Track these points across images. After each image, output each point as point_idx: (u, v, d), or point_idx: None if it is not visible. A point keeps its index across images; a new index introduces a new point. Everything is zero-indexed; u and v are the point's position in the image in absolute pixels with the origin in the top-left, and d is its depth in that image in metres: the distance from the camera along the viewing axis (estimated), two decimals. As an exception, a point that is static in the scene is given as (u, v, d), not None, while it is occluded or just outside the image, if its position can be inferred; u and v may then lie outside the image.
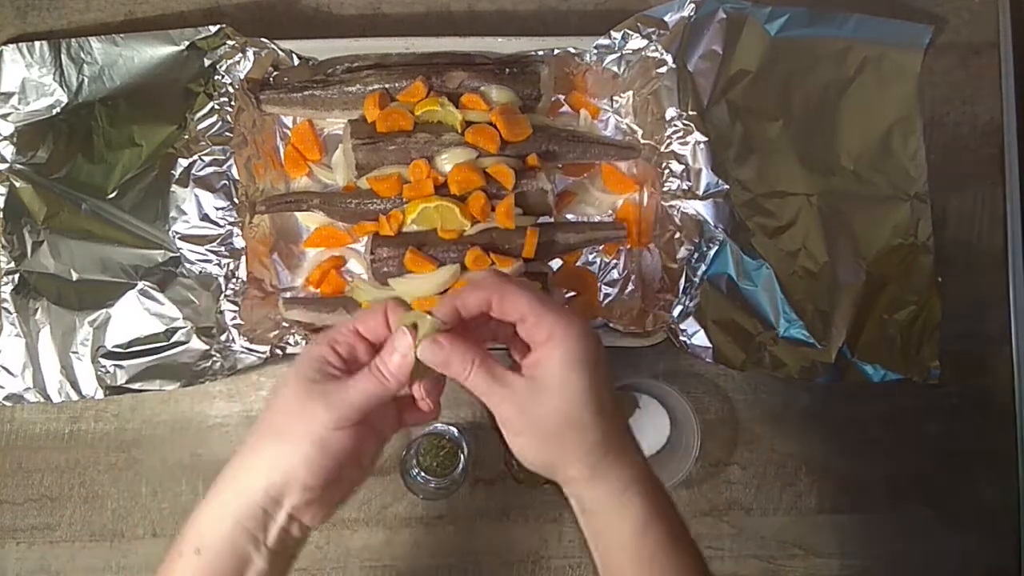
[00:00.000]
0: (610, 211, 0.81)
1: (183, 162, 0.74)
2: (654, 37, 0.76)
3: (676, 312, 0.73)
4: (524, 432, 0.48)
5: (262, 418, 0.50)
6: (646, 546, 0.49)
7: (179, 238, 0.74)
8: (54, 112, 0.77)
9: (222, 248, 0.73)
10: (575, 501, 0.50)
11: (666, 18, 0.76)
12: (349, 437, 0.48)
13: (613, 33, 0.76)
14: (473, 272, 0.71)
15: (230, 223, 0.73)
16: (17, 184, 0.77)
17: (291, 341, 0.73)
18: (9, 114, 0.78)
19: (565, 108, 0.81)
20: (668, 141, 0.75)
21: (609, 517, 0.49)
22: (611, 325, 0.75)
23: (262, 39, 0.75)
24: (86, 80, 0.77)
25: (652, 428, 0.76)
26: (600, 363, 0.49)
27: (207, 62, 0.75)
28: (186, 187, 0.74)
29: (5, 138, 0.77)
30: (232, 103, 0.74)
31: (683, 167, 0.74)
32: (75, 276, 0.75)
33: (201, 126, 0.74)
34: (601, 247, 0.80)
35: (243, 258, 0.73)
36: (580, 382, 0.47)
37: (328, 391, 0.48)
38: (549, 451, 0.49)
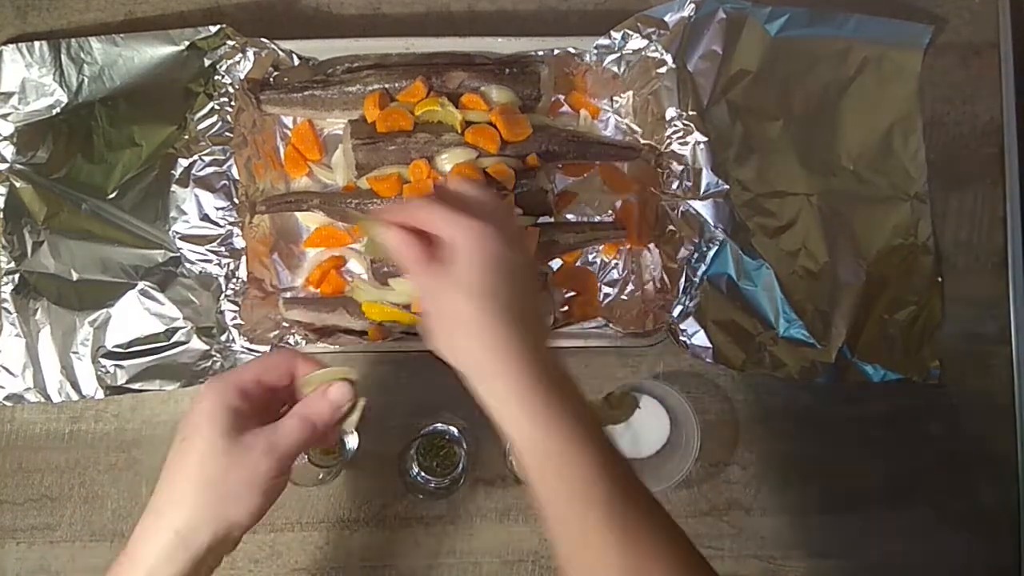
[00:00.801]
0: (610, 211, 0.81)
1: (183, 162, 0.74)
2: (654, 37, 0.76)
3: (676, 312, 0.73)
4: (431, 316, 0.52)
5: (180, 478, 0.50)
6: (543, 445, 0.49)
7: (179, 238, 0.74)
8: (54, 112, 0.77)
9: (222, 248, 0.73)
10: (478, 397, 0.51)
11: (666, 18, 0.76)
12: (284, 479, 0.52)
13: (613, 33, 0.76)
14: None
15: (230, 223, 0.73)
16: (17, 184, 0.77)
17: (291, 341, 0.73)
18: (9, 114, 0.77)
19: (565, 108, 0.81)
20: (668, 141, 0.75)
21: (507, 412, 0.50)
22: (611, 325, 0.75)
23: (262, 39, 0.75)
24: (86, 80, 0.77)
25: (652, 428, 0.76)
26: (499, 263, 0.50)
27: (207, 62, 0.75)
28: (186, 187, 0.74)
29: (5, 138, 0.77)
30: (232, 103, 0.74)
31: (683, 167, 0.74)
32: (75, 276, 0.75)
33: (201, 126, 0.74)
34: (601, 247, 0.80)
35: (243, 258, 0.73)
36: (473, 276, 0.50)
37: (259, 442, 0.50)
38: (448, 339, 0.52)
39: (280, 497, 0.77)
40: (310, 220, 0.79)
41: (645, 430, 0.76)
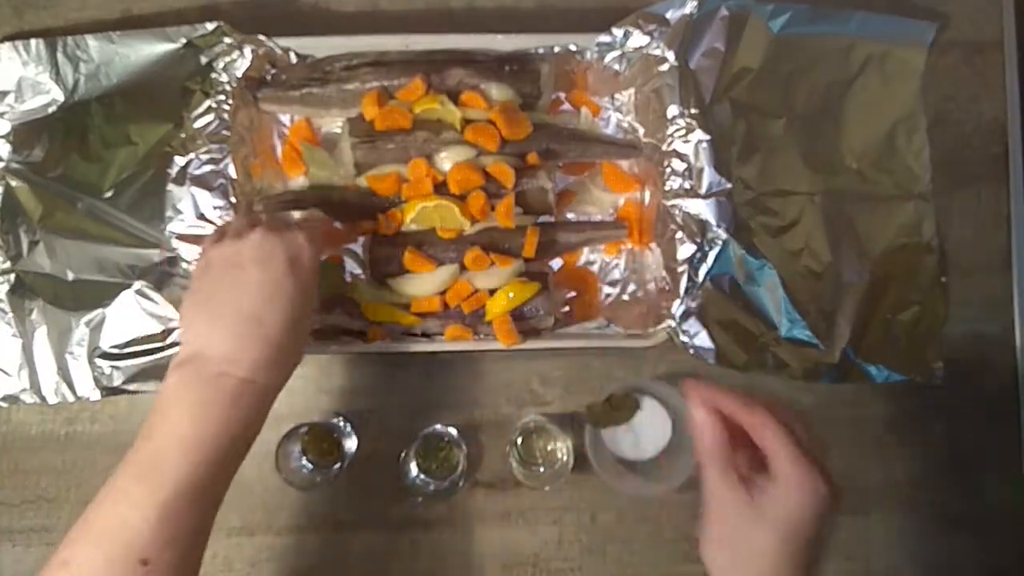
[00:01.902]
0: (611, 210, 0.81)
1: (180, 161, 0.73)
2: (656, 34, 0.75)
3: (678, 312, 0.72)
4: (718, 529, 0.52)
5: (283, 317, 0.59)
6: None
7: (176, 237, 0.73)
8: (50, 110, 0.77)
9: (219, 248, 0.72)
10: None
11: (668, 15, 0.75)
12: None
13: (614, 30, 0.75)
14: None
15: (227, 222, 0.72)
16: (13, 183, 0.76)
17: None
18: (5, 112, 0.77)
19: (565, 106, 0.81)
20: (670, 139, 0.74)
21: None
22: (612, 325, 0.74)
23: (259, 37, 0.75)
24: (82, 78, 0.77)
25: (655, 429, 0.75)
26: (824, 522, 0.50)
27: (204, 60, 0.75)
28: (183, 186, 0.73)
29: (1, 137, 0.77)
30: (229, 101, 0.74)
31: (685, 166, 0.74)
32: (71, 276, 0.75)
33: (198, 124, 0.74)
34: (602, 247, 0.79)
35: (240, 258, 0.72)
36: (798, 531, 0.50)
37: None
38: (727, 563, 0.52)
39: (278, 500, 0.77)
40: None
41: (647, 431, 0.75)
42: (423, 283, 0.73)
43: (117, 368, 0.73)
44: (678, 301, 0.72)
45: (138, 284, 0.74)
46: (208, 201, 0.73)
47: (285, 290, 0.58)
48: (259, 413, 0.58)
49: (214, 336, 0.57)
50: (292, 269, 0.59)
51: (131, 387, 0.73)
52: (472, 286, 0.73)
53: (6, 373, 0.74)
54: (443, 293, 0.73)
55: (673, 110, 0.74)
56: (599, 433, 0.74)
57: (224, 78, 0.74)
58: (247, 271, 0.58)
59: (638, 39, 0.75)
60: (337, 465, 0.72)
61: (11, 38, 0.78)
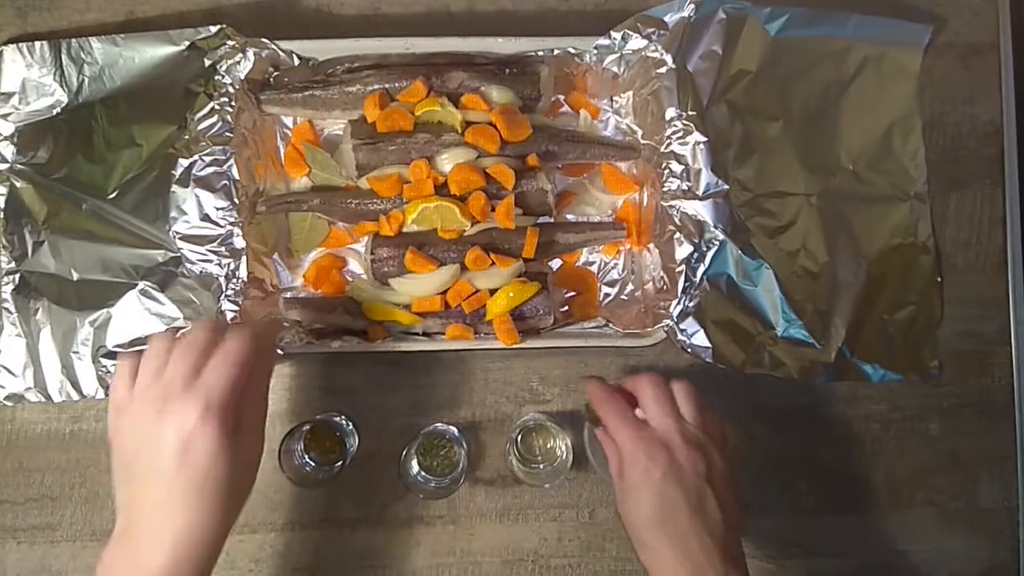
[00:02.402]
0: (610, 211, 0.81)
1: (183, 162, 0.74)
2: (654, 37, 0.76)
3: (676, 312, 0.73)
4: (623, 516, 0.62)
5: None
6: None
7: (179, 238, 0.74)
8: (54, 112, 0.77)
9: (222, 248, 0.73)
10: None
11: (666, 18, 0.76)
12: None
13: (613, 33, 0.76)
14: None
15: (230, 223, 0.73)
16: (18, 184, 0.77)
17: (292, 341, 0.73)
18: (9, 114, 0.78)
19: (565, 108, 0.82)
20: (668, 141, 0.75)
21: None
22: (611, 325, 0.75)
23: (262, 39, 0.75)
24: (86, 80, 0.77)
25: None
26: (666, 487, 0.59)
27: (207, 62, 0.75)
28: (186, 187, 0.74)
29: (6, 138, 0.77)
30: (232, 103, 0.74)
31: (683, 167, 0.74)
32: (76, 276, 0.75)
33: (201, 126, 0.74)
34: (601, 247, 0.80)
35: (243, 258, 0.73)
36: (643, 503, 0.60)
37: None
38: (634, 538, 0.61)
39: (280, 497, 0.78)
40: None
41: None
42: (424, 283, 0.73)
43: (121, 367, 0.74)
44: (676, 301, 0.73)
45: (142, 284, 0.74)
46: (212, 202, 0.73)
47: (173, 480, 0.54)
48: None
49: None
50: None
51: (135, 386, 0.74)
52: (472, 286, 0.74)
53: (11, 372, 0.75)
54: (444, 293, 0.74)
55: (671, 112, 0.74)
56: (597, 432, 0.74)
57: (227, 80, 0.74)
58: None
59: (636, 42, 0.76)
60: (339, 463, 0.72)
61: (15, 40, 0.79)
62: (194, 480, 0.53)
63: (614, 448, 0.63)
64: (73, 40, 0.77)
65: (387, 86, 0.75)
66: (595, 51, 0.76)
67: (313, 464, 0.73)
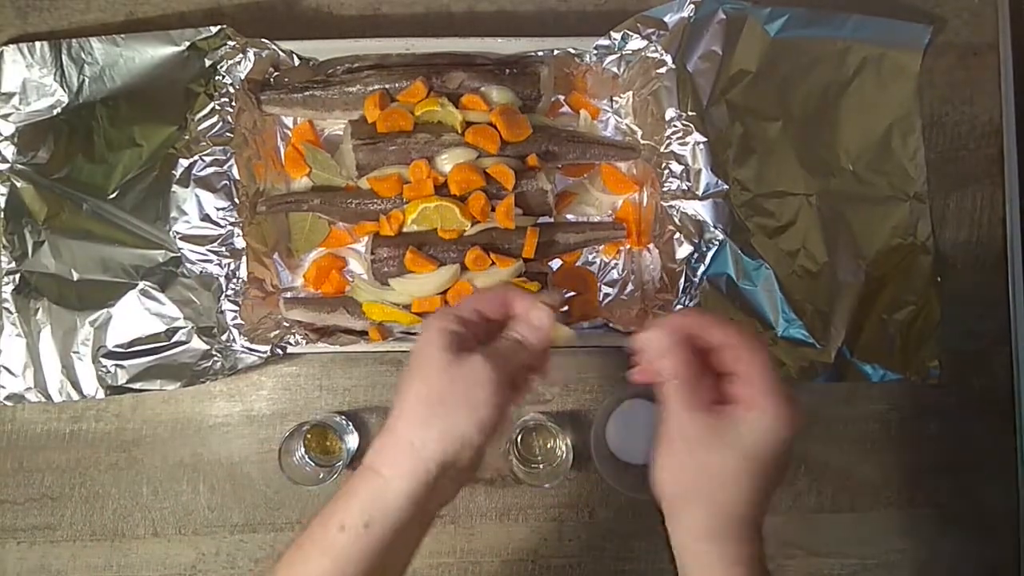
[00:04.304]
0: (610, 211, 0.81)
1: (184, 162, 0.74)
2: (654, 38, 0.76)
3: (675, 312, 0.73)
4: (677, 458, 0.49)
5: (411, 396, 0.51)
6: None
7: (180, 238, 0.74)
8: (55, 112, 0.77)
9: (223, 248, 0.73)
10: (676, 543, 0.50)
11: (666, 19, 0.76)
12: (507, 394, 0.52)
13: (613, 34, 0.76)
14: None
15: (231, 223, 0.73)
16: (18, 184, 0.77)
17: (292, 341, 0.73)
18: (10, 114, 0.78)
19: (565, 108, 0.82)
20: (668, 141, 0.75)
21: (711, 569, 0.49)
22: (611, 325, 0.75)
23: (262, 40, 0.75)
24: (87, 80, 0.77)
25: (653, 433, 0.76)
26: (788, 447, 0.49)
27: (208, 63, 0.75)
28: (187, 187, 0.74)
29: (6, 138, 0.77)
30: (233, 103, 0.74)
31: (683, 167, 0.74)
32: (76, 276, 0.75)
33: (202, 126, 0.74)
34: (601, 247, 0.80)
35: (244, 258, 0.73)
36: (763, 452, 0.48)
37: (477, 358, 0.51)
38: (693, 485, 0.49)
39: (281, 497, 0.78)
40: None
41: (646, 435, 0.76)
42: (424, 283, 0.73)
43: (121, 367, 0.74)
44: (676, 301, 0.73)
45: (142, 284, 0.75)
46: (212, 202, 0.73)
47: (403, 379, 0.52)
48: (381, 512, 0.50)
49: None
50: (412, 359, 0.52)
51: (135, 386, 0.74)
52: (473, 286, 0.74)
53: (11, 372, 0.75)
54: (444, 293, 0.74)
55: (671, 112, 0.74)
56: (602, 432, 0.75)
57: (228, 80, 0.75)
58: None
59: (636, 42, 0.76)
60: (339, 463, 0.73)
61: (16, 40, 0.79)
62: (428, 369, 0.52)
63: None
64: (74, 40, 0.77)
65: (387, 86, 0.75)
66: (595, 51, 0.76)
67: (313, 464, 0.73)
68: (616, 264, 0.80)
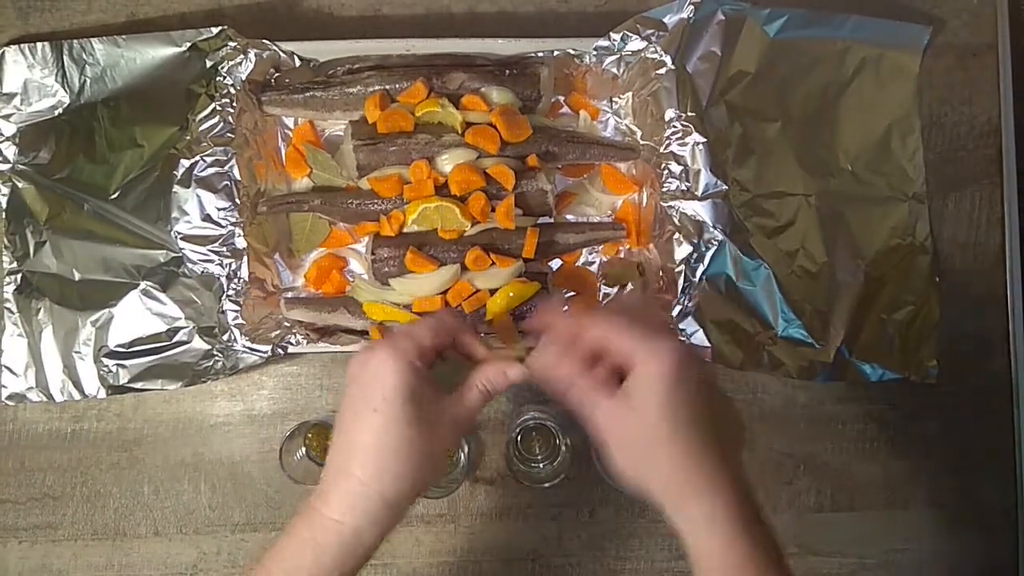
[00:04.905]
0: (609, 212, 0.81)
1: (185, 163, 0.74)
2: (653, 39, 0.76)
3: (675, 312, 0.73)
4: (615, 447, 0.50)
5: (373, 441, 0.51)
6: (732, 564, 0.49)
7: (181, 238, 0.74)
8: (56, 113, 0.78)
9: (224, 248, 0.73)
10: (671, 522, 0.51)
11: (665, 20, 0.76)
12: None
13: (612, 35, 0.76)
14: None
15: (232, 223, 0.73)
16: (20, 184, 0.77)
17: (293, 341, 0.74)
18: (11, 115, 0.78)
19: (565, 109, 0.82)
20: (667, 142, 0.75)
21: (698, 538, 0.49)
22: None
23: (263, 41, 0.75)
24: (88, 81, 0.77)
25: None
26: (685, 381, 0.49)
27: (209, 63, 0.76)
28: (188, 187, 0.74)
29: (7, 139, 0.78)
30: (234, 104, 0.74)
31: (682, 168, 0.74)
32: (77, 276, 0.76)
33: (203, 127, 0.75)
34: (601, 247, 0.80)
35: (245, 258, 0.73)
36: (659, 397, 0.48)
37: (445, 413, 0.53)
38: (636, 467, 0.50)
39: (281, 497, 0.78)
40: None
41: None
42: (424, 283, 0.73)
43: (123, 367, 0.74)
44: (675, 301, 0.73)
45: (144, 284, 0.75)
46: (213, 202, 0.74)
47: (361, 416, 0.51)
48: (336, 559, 0.51)
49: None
50: (365, 391, 0.51)
51: (137, 385, 0.74)
52: (473, 286, 0.74)
53: (13, 372, 0.75)
54: (444, 293, 0.74)
55: (670, 113, 0.75)
56: None
57: (228, 81, 0.75)
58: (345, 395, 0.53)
59: (636, 43, 0.76)
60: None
61: (17, 41, 0.79)
62: (375, 411, 0.52)
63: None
64: (75, 41, 0.77)
65: (388, 87, 0.76)
66: (595, 52, 0.76)
67: (315, 463, 0.73)
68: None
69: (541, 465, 0.75)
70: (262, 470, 0.78)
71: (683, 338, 0.73)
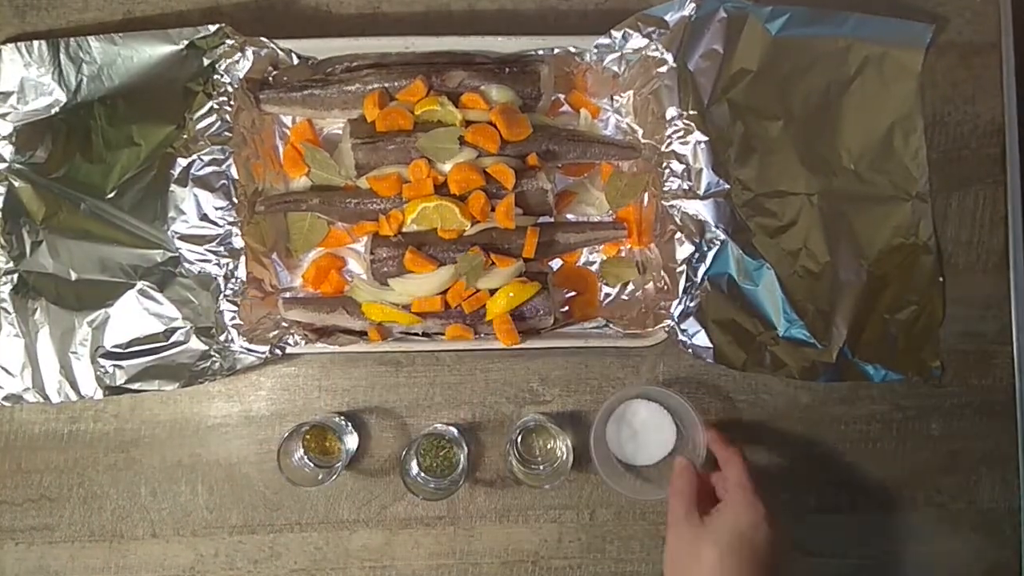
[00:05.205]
0: (610, 211, 0.81)
1: (182, 162, 0.74)
2: (654, 36, 0.75)
3: (677, 312, 0.73)
4: (672, 560, 0.64)
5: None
6: None
7: (178, 238, 0.73)
8: (53, 111, 0.77)
9: (221, 248, 0.73)
10: None
11: (667, 17, 0.76)
12: None
13: (613, 32, 0.75)
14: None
15: (229, 223, 0.73)
16: (16, 184, 0.76)
17: (291, 341, 0.73)
18: (8, 113, 0.77)
19: (565, 107, 0.81)
20: (669, 141, 0.75)
21: None
22: (611, 325, 0.75)
23: (261, 38, 0.75)
24: (85, 79, 0.77)
25: (659, 434, 0.76)
26: (766, 553, 0.61)
27: (206, 61, 0.75)
28: (185, 187, 0.74)
29: (4, 137, 0.77)
30: (231, 102, 0.74)
31: (684, 167, 0.74)
32: (74, 276, 0.75)
33: (200, 126, 0.74)
34: (601, 247, 0.80)
35: (242, 258, 0.73)
36: (734, 553, 0.61)
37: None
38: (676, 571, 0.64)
39: (280, 497, 0.78)
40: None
41: (652, 437, 0.76)
42: (424, 283, 0.73)
43: (120, 367, 0.74)
44: (677, 301, 0.73)
45: (141, 284, 0.74)
46: (210, 202, 0.73)
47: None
48: None
49: None
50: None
51: (134, 386, 0.74)
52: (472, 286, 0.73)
53: (9, 373, 0.75)
54: (444, 293, 0.74)
55: (672, 111, 0.74)
56: (602, 433, 0.74)
57: (226, 79, 0.74)
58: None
59: (637, 41, 0.75)
60: (338, 463, 0.72)
61: (14, 39, 0.78)
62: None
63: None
64: (72, 39, 0.77)
65: (387, 85, 0.75)
66: (595, 50, 0.76)
67: (313, 464, 0.73)
68: (616, 264, 0.80)
69: (541, 467, 0.75)
70: (260, 471, 0.78)
71: (689, 349, 0.73)
